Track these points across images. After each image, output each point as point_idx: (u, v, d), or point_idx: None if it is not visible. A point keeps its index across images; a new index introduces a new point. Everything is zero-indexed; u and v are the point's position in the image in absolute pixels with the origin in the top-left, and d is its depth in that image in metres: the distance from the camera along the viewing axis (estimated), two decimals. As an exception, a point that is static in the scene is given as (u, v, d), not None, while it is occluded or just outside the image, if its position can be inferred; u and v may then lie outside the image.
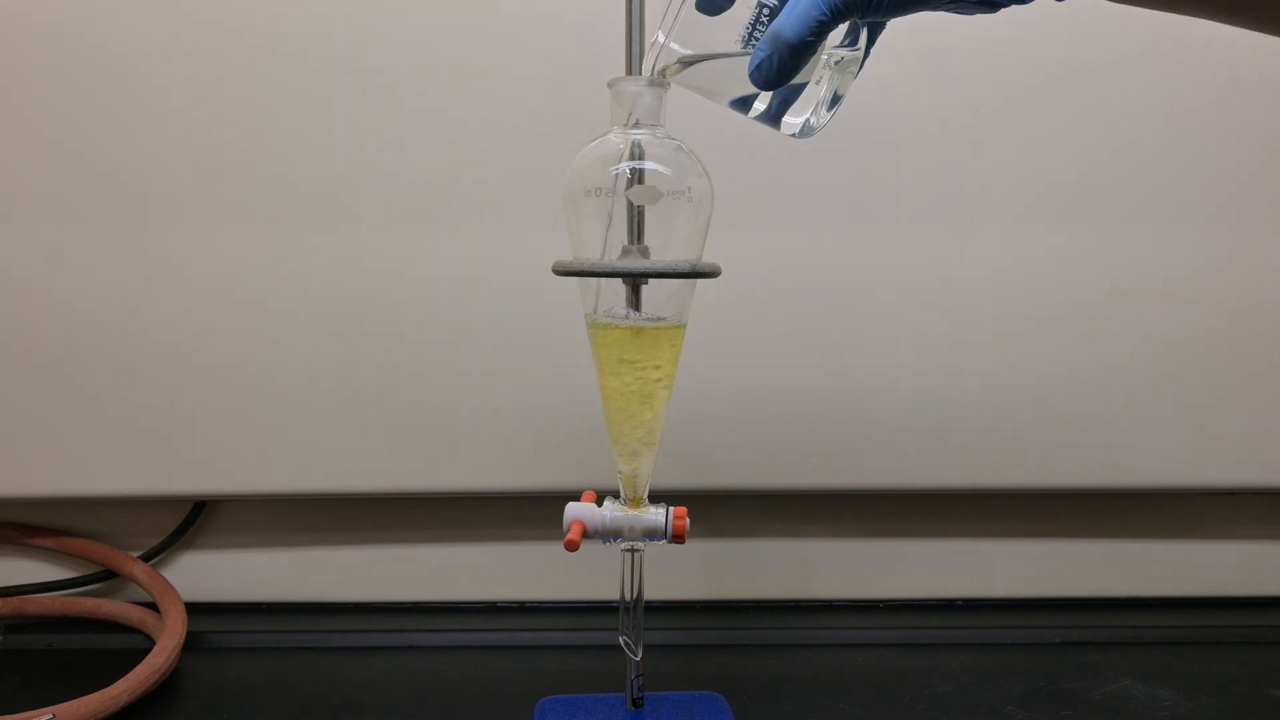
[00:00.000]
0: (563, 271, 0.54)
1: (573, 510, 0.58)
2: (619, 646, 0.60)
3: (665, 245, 0.54)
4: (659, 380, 0.57)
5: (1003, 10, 0.46)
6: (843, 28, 0.47)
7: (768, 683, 0.71)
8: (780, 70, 0.44)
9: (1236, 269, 0.79)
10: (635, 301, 0.56)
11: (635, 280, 0.56)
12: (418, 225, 0.77)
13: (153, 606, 0.79)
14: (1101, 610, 0.86)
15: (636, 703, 0.63)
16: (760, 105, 0.50)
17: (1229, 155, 0.78)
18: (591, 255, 0.54)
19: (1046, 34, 0.76)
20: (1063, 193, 0.78)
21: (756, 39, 0.47)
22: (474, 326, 0.78)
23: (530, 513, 0.85)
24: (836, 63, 0.49)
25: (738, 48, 0.47)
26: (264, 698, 0.69)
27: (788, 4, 0.44)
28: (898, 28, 0.76)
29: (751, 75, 0.45)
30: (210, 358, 0.77)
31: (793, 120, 0.51)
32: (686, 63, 0.50)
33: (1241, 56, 0.77)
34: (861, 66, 0.49)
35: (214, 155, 0.76)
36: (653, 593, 0.84)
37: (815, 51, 0.44)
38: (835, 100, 0.50)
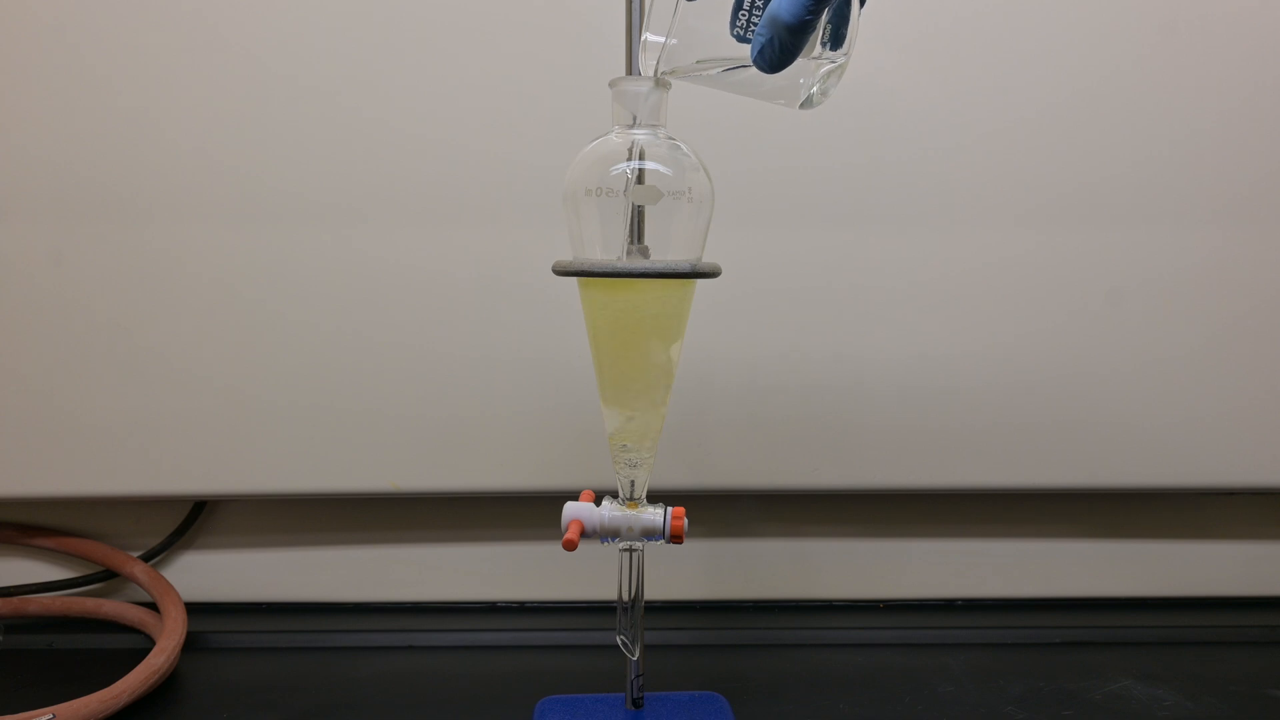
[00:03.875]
0: (563, 271, 0.54)
1: (571, 510, 0.58)
2: (619, 646, 0.60)
3: (665, 245, 0.54)
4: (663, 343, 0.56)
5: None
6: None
7: (768, 683, 0.71)
8: (783, 52, 0.44)
9: (1236, 269, 0.79)
10: None
11: (635, 280, 0.56)
12: (418, 225, 0.77)
13: (153, 606, 0.79)
14: (1101, 610, 0.86)
15: (636, 703, 0.63)
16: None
17: (1230, 155, 0.78)
18: (592, 255, 0.54)
19: (1047, 35, 0.76)
20: (1063, 193, 0.78)
21: (754, 24, 0.46)
22: (474, 326, 0.78)
23: (530, 513, 0.85)
24: (827, 71, 0.49)
25: (730, 34, 0.47)
26: (264, 698, 0.69)
27: None
28: (897, 29, 0.76)
29: (755, 61, 0.45)
30: (210, 358, 0.77)
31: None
32: (690, 69, 0.50)
33: (1243, 56, 0.77)
34: (856, 22, 0.49)
35: (214, 155, 0.75)
36: (653, 593, 0.84)
37: (815, 29, 0.44)
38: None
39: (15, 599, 0.81)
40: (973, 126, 0.77)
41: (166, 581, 0.81)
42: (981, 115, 0.77)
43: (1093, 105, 0.77)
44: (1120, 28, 0.76)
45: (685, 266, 0.54)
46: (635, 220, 0.55)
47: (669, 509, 0.58)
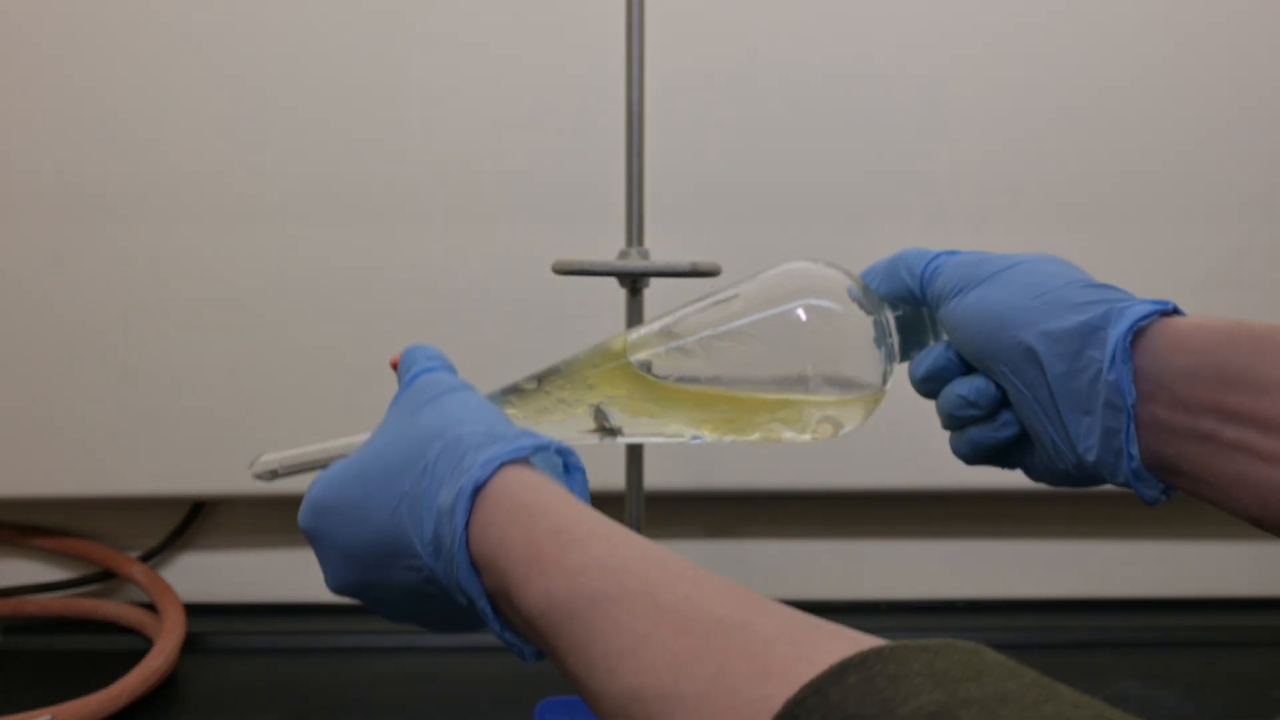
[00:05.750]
0: (563, 270, 0.54)
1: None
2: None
3: None
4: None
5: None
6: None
7: (768, 683, 0.71)
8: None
9: (1237, 269, 0.79)
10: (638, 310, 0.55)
11: (635, 280, 0.56)
12: (418, 226, 0.76)
13: (151, 607, 0.79)
14: (1102, 610, 0.86)
15: (636, 703, 0.62)
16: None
17: (1232, 157, 0.78)
18: None
19: (1050, 35, 0.76)
20: (1063, 192, 0.78)
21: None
22: (473, 325, 0.78)
23: (530, 513, 0.85)
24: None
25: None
26: (263, 698, 0.69)
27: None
28: (898, 24, 0.76)
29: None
30: (209, 358, 0.77)
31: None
32: None
33: (1245, 57, 0.77)
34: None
35: (213, 155, 0.75)
36: (652, 593, 0.84)
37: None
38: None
39: (14, 600, 0.81)
40: (972, 123, 0.77)
41: (165, 582, 0.80)
42: (980, 112, 0.77)
43: (1095, 106, 0.77)
44: (1123, 28, 0.76)
45: (684, 265, 0.53)
46: (635, 222, 0.54)
47: None
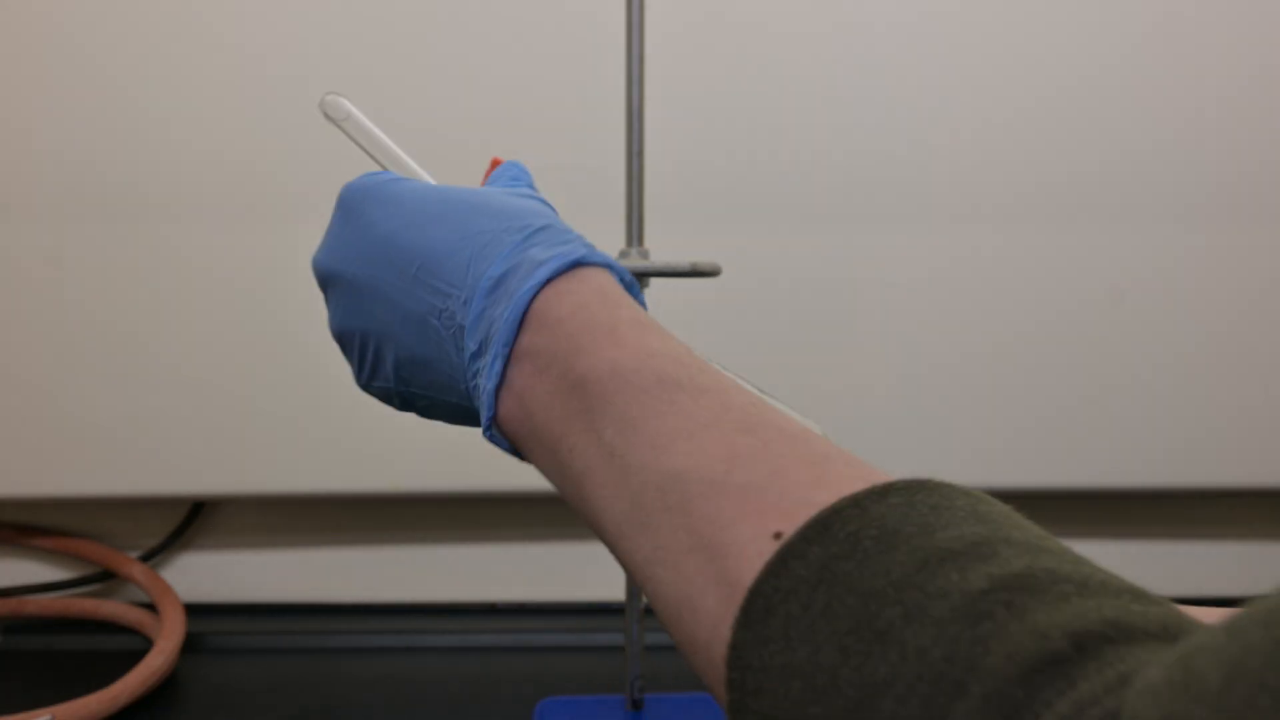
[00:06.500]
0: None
1: None
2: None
3: None
4: None
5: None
6: None
7: (768, 683, 0.71)
8: None
9: (1237, 269, 0.79)
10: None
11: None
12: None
13: (151, 607, 0.79)
14: (1102, 611, 0.86)
15: (636, 704, 0.62)
16: None
17: (1230, 154, 0.78)
18: None
19: (1055, 36, 0.76)
20: (1063, 192, 0.78)
21: None
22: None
23: (530, 513, 0.85)
24: None
25: None
26: (263, 699, 0.69)
27: None
28: (898, 24, 0.76)
29: None
30: (210, 357, 0.77)
31: None
32: None
33: (1244, 55, 0.77)
34: None
35: (214, 155, 0.75)
36: (652, 593, 0.84)
37: None
38: None
39: (14, 600, 0.81)
40: (972, 123, 0.77)
41: (165, 582, 0.80)
42: (980, 111, 0.77)
43: (1094, 101, 0.77)
44: (1120, 26, 0.76)
45: (685, 265, 0.53)
46: (635, 222, 0.54)
47: None
